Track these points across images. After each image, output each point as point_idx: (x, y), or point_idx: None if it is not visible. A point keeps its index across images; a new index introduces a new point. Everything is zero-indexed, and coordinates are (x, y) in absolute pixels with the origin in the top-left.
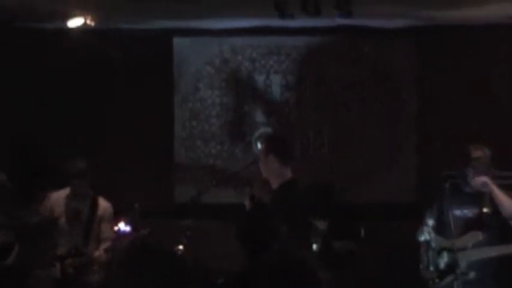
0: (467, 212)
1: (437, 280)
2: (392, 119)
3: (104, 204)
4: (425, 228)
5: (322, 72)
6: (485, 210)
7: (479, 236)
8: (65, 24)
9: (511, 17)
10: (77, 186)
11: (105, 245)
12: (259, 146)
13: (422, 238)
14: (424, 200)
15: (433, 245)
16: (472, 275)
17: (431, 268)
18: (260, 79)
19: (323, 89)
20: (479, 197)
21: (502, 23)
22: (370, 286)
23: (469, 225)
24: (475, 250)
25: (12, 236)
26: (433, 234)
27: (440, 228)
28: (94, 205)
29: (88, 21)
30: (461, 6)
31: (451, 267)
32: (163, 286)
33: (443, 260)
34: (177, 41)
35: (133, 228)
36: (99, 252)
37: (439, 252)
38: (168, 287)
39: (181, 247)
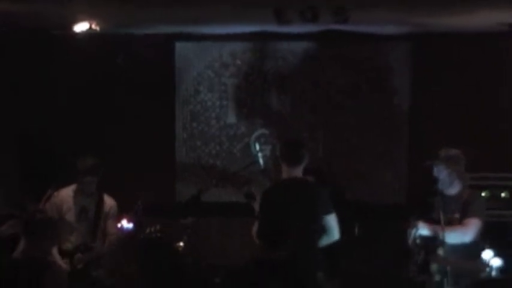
0: (447, 213)
1: (416, 274)
2: (386, 123)
3: (109, 201)
4: (418, 224)
5: (318, 77)
6: (456, 215)
7: None
8: (72, 29)
9: (503, 24)
10: (86, 183)
11: (109, 240)
12: (257, 146)
13: (412, 236)
14: (414, 200)
15: (418, 241)
16: (437, 277)
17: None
18: (258, 83)
19: (319, 92)
20: (457, 199)
21: (494, 30)
22: (363, 280)
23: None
24: (444, 258)
25: (19, 227)
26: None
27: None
28: (100, 202)
29: (93, 26)
30: (455, 13)
31: (426, 266)
32: (165, 280)
33: (420, 258)
34: (179, 46)
35: (136, 225)
36: (106, 248)
37: (420, 248)
38: (169, 282)
39: (181, 244)
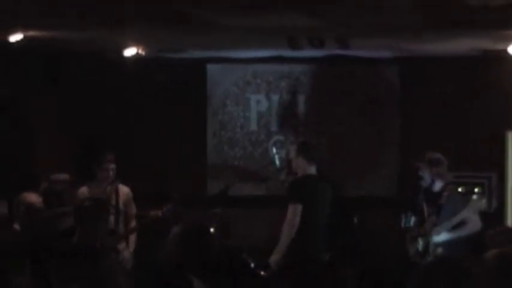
0: (430, 205)
1: (419, 260)
2: (379, 131)
3: (123, 189)
4: (411, 217)
5: (323, 93)
6: (442, 201)
7: (433, 220)
8: (122, 53)
9: (479, 50)
10: (105, 171)
11: (132, 223)
12: (274, 150)
13: (406, 225)
14: (403, 195)
15: (411, 233)
16: (439, 250)
17: (413, 251)
18: (275, 98)
19: (323, 105)
20: (439, 195)
21: (472, 55)
22: (363, 260)
23: (430, 215)
24: (435, 236)
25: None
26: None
27: (415, 220)
28: (117, 191)
29: (140, 51)
30: (437, 40)
31: (426, 249)
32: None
33: (420, 245)
34: (210, 67)
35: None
36: (128, 232)
37: (415, 238)
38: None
39: (212, 229)
